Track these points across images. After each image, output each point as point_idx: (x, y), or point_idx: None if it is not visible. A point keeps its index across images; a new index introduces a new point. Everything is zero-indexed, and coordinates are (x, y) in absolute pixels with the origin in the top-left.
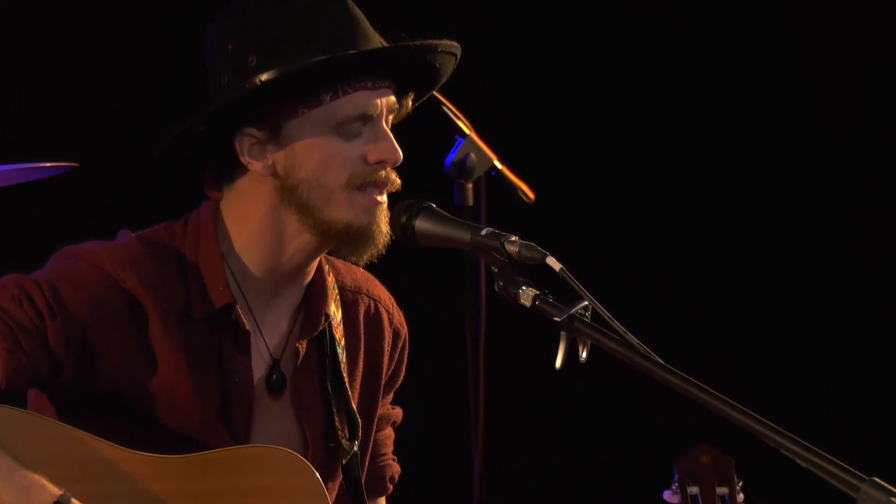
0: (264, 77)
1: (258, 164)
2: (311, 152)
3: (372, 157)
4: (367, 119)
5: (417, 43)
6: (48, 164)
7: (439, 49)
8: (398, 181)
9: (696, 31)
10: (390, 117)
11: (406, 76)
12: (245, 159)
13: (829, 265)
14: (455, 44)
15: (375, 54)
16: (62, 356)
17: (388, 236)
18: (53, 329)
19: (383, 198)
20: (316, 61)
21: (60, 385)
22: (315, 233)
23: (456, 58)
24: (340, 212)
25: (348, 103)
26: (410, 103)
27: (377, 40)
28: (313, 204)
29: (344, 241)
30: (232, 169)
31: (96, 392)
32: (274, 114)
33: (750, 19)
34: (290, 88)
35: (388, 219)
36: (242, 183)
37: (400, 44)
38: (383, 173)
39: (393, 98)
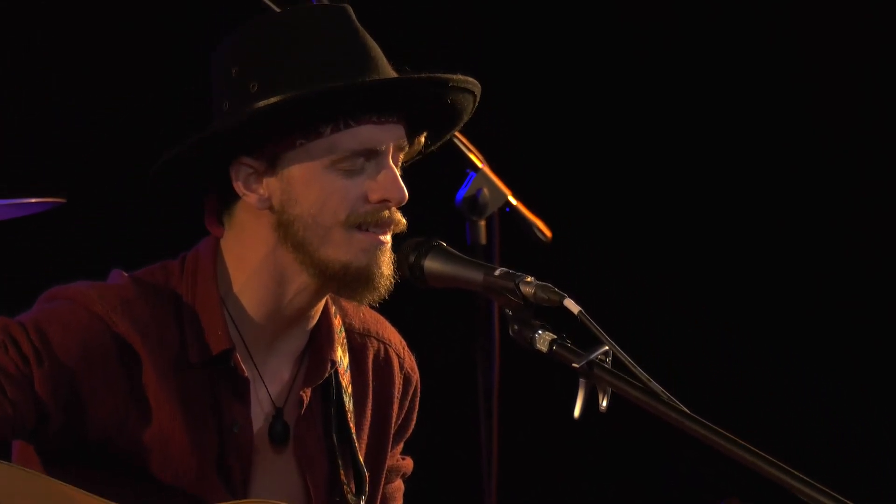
0: (262, 104)
1: (253, 195)
2: (309, 187)
3: (374, 196)
4: (372, 155)
5: (424, 76)
6: (34, 200)
7: (449, 84)
8: (403, 221)
9: (717, 70)
10: (400, 155)
11: (418, 112)
12: (240, 189)
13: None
14: (471, 80)
15: (374, 87)
16: (49, 405)
17: (391, 279)
18: (40, 376)
19: (387, 237)
20: (312, 91)
21: (47, 435)
22: (312, 273)
23: (475, 96)
24: (337, 252)
25: (350, 137)
26: (423, 140)
27: (390, 73)
28: (309, 242)
29: (342, 283)
30: (231, 201)
31: (86, 442)
32: (271, 143)
33: (750, 21)
34: (288, 117)
35: (391, 260)
36: (241, 217)
37: (403, 76)
38: (386, 213)
39: (402, 135)
